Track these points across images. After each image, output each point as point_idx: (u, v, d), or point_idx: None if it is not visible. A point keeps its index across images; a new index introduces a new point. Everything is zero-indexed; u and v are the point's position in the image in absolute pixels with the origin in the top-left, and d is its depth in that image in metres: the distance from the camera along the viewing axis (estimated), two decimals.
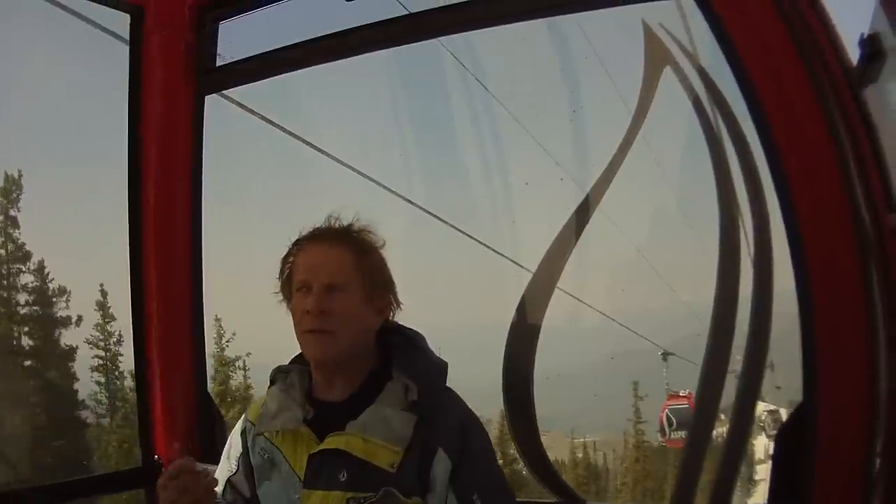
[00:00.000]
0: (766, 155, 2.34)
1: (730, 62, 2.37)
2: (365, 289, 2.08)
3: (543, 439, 3.87)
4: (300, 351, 2.17)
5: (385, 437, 1.96)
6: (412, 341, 2.18)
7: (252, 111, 4.73)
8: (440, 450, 1.98)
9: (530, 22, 2.86)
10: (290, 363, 2.24)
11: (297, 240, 2.17)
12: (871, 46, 1.99)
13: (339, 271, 2.06)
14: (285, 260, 2.17)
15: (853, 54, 2.14)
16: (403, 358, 2.12)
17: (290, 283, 2.13)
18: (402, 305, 2.18)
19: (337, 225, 2.15)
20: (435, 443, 1.99)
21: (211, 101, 3.43)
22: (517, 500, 2.19)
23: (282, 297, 2.18)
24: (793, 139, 2.26)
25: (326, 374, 2.11)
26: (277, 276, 2.18)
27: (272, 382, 2.24)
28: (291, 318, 2.12)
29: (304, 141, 5.61)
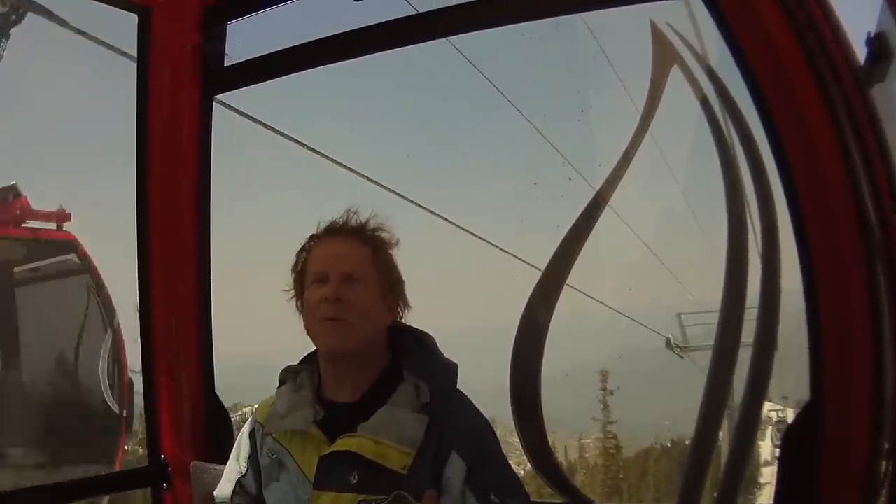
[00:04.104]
0: (773, 153, 2.33)
1: (736, 61, 2.36)
2: (380, 284, 2.09)
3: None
4: (298, 357, 2.19)
5: (396, 439, 1.96)
6: (422, 342, 2.18)
7: (256, 119, 4.77)
8: (454, 452, 1.98)
9: (538, 21, 2.86)
10: (299, 363, 2.24)
11: (314, 234, 2.18)
12: (878, 46, 1.98)
13: (357, 263, 2.07)
14: (300, 253, 2.17)
15: (860, 53, 2.14)
16: (414, 359, 2.11)
17: (304, 277, 2.14)
18: (410, 305, 2.19)
19: (354, 220, 2.17)
20: (448, 445, 1.99)
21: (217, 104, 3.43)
22: None
23: (293, 293, 2.19)
24: (799, 138, 2.25)
25: (337, 371, 2.11)
26: (291, 269, 2.19)
27: (281, 383, 2.24)
28: (303, 312, 2.13)
29: (305, 146, 5.63)
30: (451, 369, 2.17)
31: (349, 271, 2.05)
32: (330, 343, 2.07)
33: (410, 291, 2.18)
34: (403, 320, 2.20)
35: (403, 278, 2.19)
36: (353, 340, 2.03)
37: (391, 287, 2.13)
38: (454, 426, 2.01)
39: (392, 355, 2.15)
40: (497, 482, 2.01)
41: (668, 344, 18.59)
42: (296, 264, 2.18)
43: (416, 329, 2.21)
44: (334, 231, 2.16)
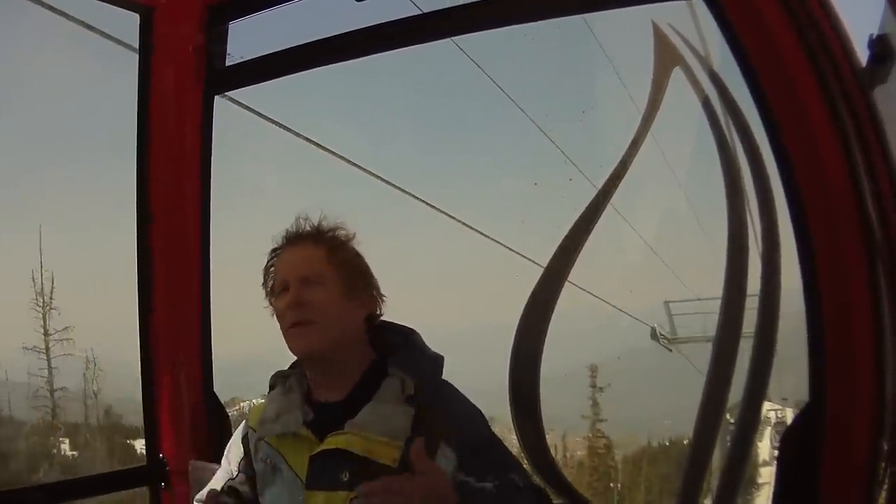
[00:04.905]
0: (774, 153, 2.33)
1: (738, 61, 2.36)
2: (343, 282, 2.10)
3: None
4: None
5: (384, 433, 1.97)
6: (406, 338, 2.19)
7: (262, 115, 4.75)
8: (443, 443, 1.97)
9: (540, 22, 2.86)
10: (289, 368, 2.26)
11: (274, 248, 2.20)
12: (880, 47, 1.99)
13: (312, 265, 2.09)
14: (266, 270, 2.20)
15: (862, 55, 2.14)
16: (399, 354, 2.13)
17: (274, 290, 2.16)
18: (384, 296, 2.20)
19: (307, 226, 2.18)
20: (437, 435, 1.98)
21: (221, 99, 3.44)
22: None
23: (272, 310, 2.20)
24: (801, 137, 2.25)
25: (319, 372, 2.12)
26: (262, 286, 2.21)
27: (272, 387, 2.25)
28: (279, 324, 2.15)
29: (309, 140, 5.61)
30: (437, 361, 2.18)
31: (306, 274, 2.07)
32: (299, 347, 2.09)
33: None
34: (383, 314, 2.21)
35: (371, 271, 2.20)
36: (322, 340, 2.04)
37: (355, 283, 2.13)
38: (442, 416, 2.01)
39: (377, 353, 2.16)
40: (493, 464, 2.01)
41: (654, 334, 17.43)
42: (264, 281, 2.20)
43: (402, 326, 2.22)
44: (291, 240, 2.19)
